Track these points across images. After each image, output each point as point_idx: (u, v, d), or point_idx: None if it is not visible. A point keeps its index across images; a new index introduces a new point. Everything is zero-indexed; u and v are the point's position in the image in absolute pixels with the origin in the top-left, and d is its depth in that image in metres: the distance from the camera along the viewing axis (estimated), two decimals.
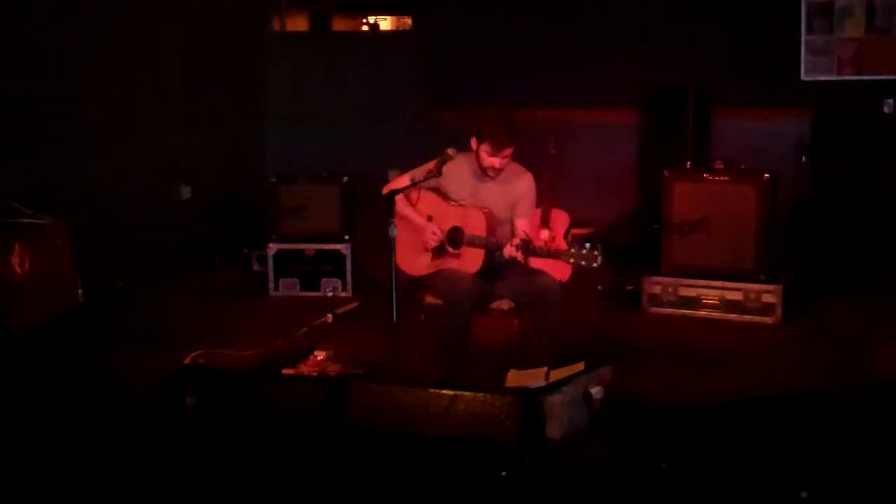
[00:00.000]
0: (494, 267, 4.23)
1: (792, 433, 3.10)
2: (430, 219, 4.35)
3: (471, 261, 4.21)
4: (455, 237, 4.27)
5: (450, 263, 4.29)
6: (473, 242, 4.19)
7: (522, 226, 4.35)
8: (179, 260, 6.80)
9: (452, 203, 4.33)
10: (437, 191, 4.37)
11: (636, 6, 7.12)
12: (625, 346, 5.10)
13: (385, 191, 4.17)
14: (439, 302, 4.25)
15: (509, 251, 4.02)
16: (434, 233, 4.31)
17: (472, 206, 4.27)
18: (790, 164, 6.48)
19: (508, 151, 4.22)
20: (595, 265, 3.77)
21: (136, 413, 3.63)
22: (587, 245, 3.79)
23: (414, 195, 4.33)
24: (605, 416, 3.89)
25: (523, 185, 4.38)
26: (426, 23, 8.08)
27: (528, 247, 3.99)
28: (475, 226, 4.21)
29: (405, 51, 8.06)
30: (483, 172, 4.29)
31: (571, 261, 3.82)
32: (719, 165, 5.82)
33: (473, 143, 4.29)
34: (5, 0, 5.43)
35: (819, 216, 6.59)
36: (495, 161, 4.22)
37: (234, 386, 3.53)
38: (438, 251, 4.33)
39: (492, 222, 4.24)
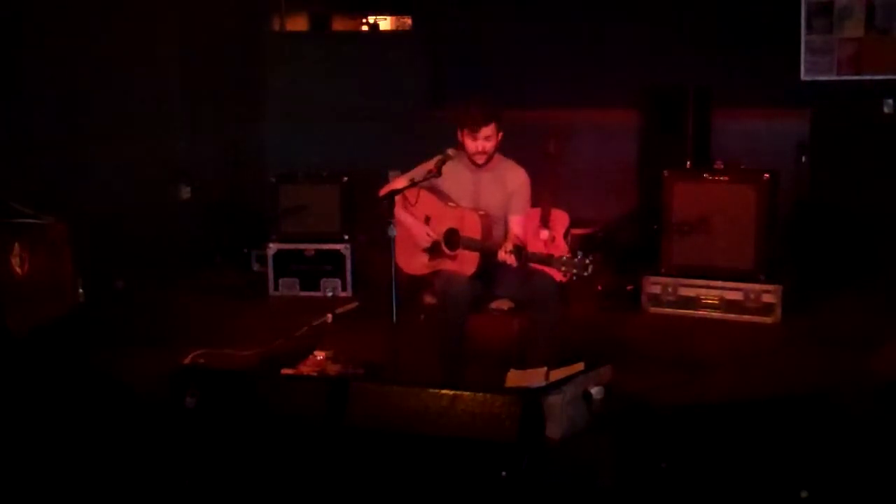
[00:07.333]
0: (492, 268, 4.23)
1: (792, 433, 3.10)
2: (427, 219, 4.36)
3: (467, 263, 4.21)
4: (452, 239, 4.27)
5: (447, 265, 4.29)
6: (469, 245, 4.19)
7: (516, 224, 4.35)
8: (179, 260, 6.80)
9: (450, 205, 4.32)
10: (436, 191, 4.37)
11: (636, 6, 7.12)
12: (625, 346, 5.10)
13: (383, 192, 4.17)
14: None
15: (502, 256, 4.02)
16: (428, 234, 4.31)
17: (468, 208, 4.27)
18: (790, 164, 6.48)
19: (487, 131, 4.21)
20: (586, 274, 3.78)
21: (136, 413, 3.63)
22: (579, 254, 3.80)
23: (413, 195, 4.32)
24: (605, 416, 3.89)
25: (517, 179, 4.38)
26: (426, 23, 8.08)
27: (521, 252, 4.00)
28: (471, 228, 4.21)
29: (405, 51, 8.06)
30: (474, 164, 4.29)
31: (563, 269, 3.83)
32: (719, 165, 5.82)
33: (459, 135, 4.30)
34: (5, 1, 5.43)
35: (819, 216, 6.57)
36: (476, 145, 4.22)
37: (234, 386, 3.53)
38: (433, 251, 4.33)
39: (487, 224, 4.23)
